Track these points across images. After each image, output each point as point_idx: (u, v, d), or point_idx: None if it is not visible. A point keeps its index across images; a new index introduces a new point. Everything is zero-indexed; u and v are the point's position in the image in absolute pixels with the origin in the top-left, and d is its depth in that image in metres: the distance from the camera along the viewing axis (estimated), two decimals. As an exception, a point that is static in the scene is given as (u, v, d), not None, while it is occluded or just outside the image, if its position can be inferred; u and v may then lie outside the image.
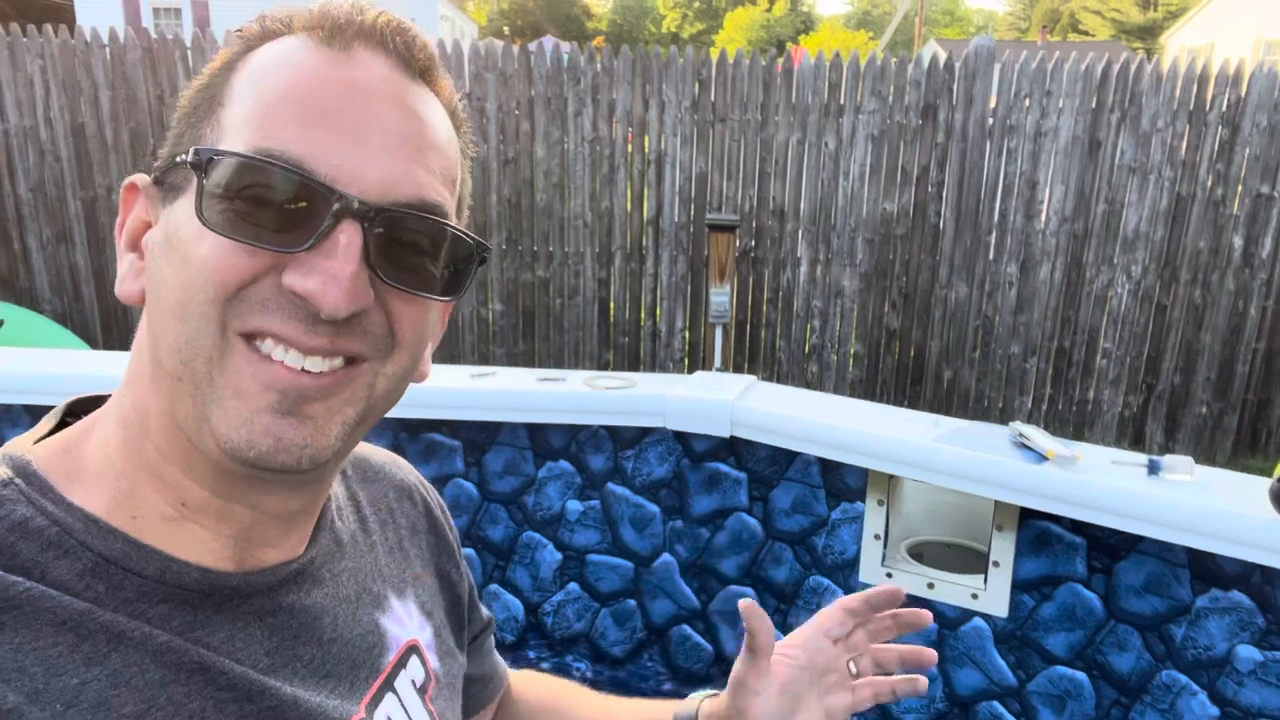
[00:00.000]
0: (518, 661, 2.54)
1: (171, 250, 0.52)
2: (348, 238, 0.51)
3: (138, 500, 0.54)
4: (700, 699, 0.83)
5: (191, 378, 0.51)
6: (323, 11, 0.55)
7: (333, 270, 0.50)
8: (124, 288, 0.56)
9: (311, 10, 0.55)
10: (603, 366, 5.59)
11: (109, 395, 0.60)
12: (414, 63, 0.56)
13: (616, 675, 2.44)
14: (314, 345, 0.51)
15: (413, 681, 0.69)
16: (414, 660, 0.70)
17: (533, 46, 5.30)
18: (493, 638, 0.89)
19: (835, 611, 0.82)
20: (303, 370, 0.51)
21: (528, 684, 0.95)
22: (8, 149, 5.32)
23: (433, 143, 0.56)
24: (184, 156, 0.52)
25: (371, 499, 0.74)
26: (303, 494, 0.59)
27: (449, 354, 5.58)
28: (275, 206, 0.50)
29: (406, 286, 0.54)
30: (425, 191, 0.55)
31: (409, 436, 2.38)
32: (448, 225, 0.56)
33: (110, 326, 5.61)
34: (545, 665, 2.48)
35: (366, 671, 0.64)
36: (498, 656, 0.90)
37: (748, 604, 0.76)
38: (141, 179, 0.57)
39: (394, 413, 2.13)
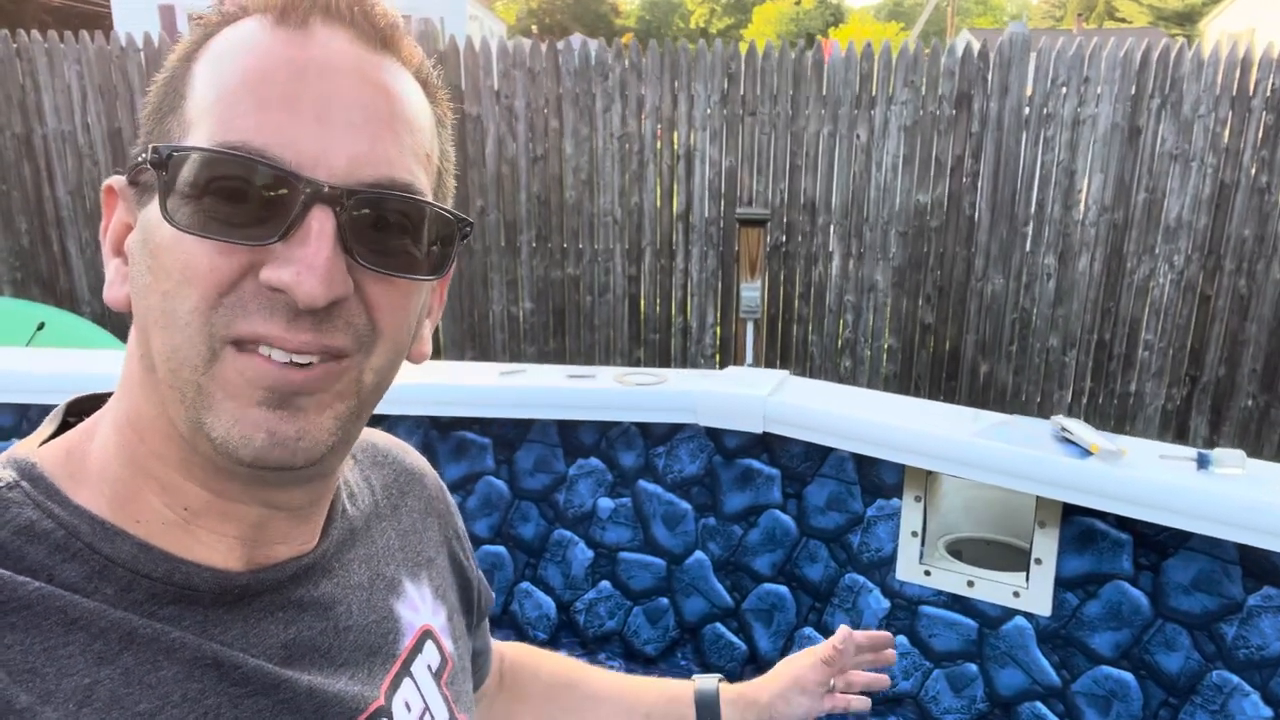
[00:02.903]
0: (550, 660, 2.54)
1: (149, 255, 0.51)
2: (319, 224, 0.49)
3: (140, 505, 0.53)
4: (716, 678, 0.94)
5: (180, 385, 0.50)
6: None
7: (307, 258, 0.48)
8: (111, 294, 0.55)
9: None
10: (633, 363, 5.57)
11: (108, 394, 0.59)
12: (375, 33, 0.54)
13: (649, 674, 2.42)
14: (298, 343, 0.50)
15: (429, 666, 0.68)
16: (429, 645, 0.69)
17: (560, 45, 5.29)
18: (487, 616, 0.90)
19: (831, 646, 0.95)
20: (290, 363, 0.50)
21: (537, 660, 0.96)
22: (47, 153, 5.41)
23: (401, 117, 0.53)
24: (145, 156, 0.50)
25: (384, 483, 0.74)
26: (308, 488, 0.58)
27: (480, 353, 5.59)
28: (242, 200, 0.49)
29: (385, 269, 0.52)
30: (395, 169, 0.52)
31: (439, 435, 2.37)
32: (424, 202, 0.54)
33: (148, 328, 5.69)
34: (578, 664, 2.46)
35: (383, 658, 0.63)
36: (489, 633, 0.90)
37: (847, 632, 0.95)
38: (118, 180, 0.55)
39: (424, 410, 2.11)
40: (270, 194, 0.49)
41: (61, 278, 5.61)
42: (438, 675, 0.69)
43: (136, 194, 0.53)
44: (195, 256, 0.49)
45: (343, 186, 0.50)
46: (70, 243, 5.56)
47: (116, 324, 5.62)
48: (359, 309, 0.52)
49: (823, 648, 0.93)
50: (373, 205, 0.51)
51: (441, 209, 0.55)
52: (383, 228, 0.52)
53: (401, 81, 0.54)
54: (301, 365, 0.50)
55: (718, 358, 5.56)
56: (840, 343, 5.47)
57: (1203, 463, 1.79)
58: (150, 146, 0.50)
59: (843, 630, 0.93)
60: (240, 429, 0.50)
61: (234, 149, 0.48)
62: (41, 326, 4.93)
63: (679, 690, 0.92)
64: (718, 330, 5.54)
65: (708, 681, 0.92)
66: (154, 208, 0.50)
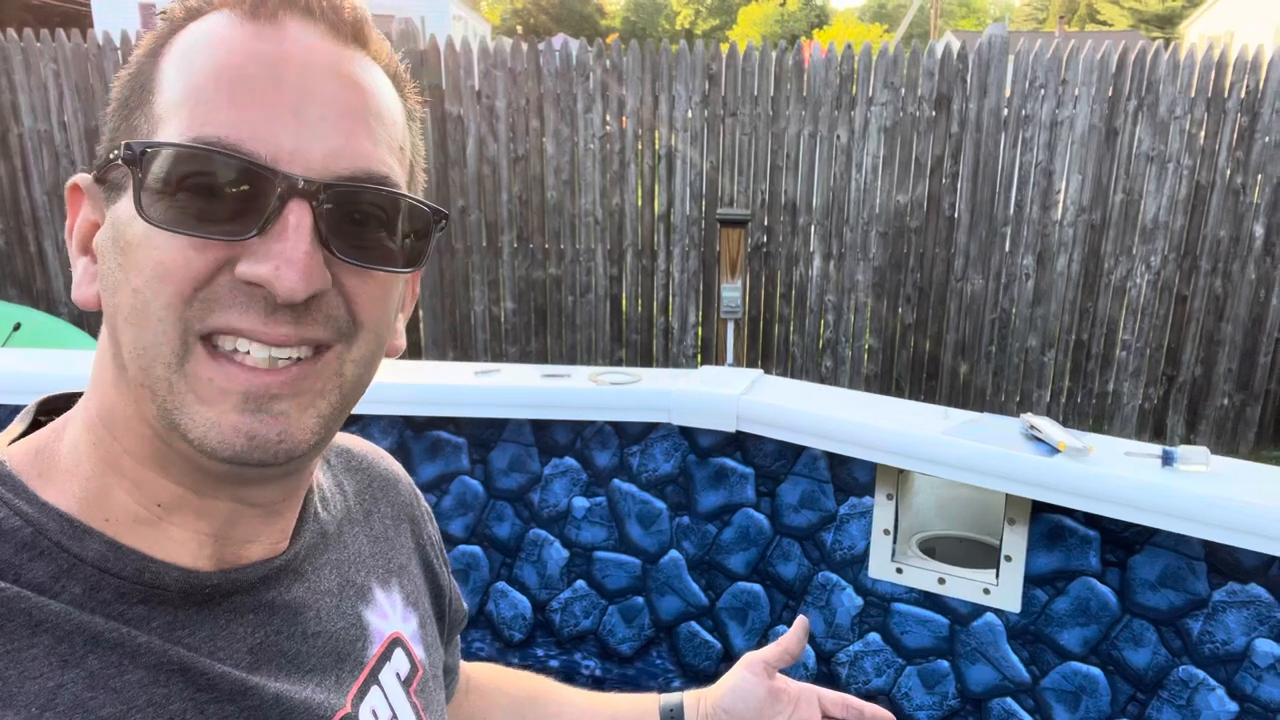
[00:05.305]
0: (526, 659, 2.53)
1: (120, 253, 0.50)
2: (297, 218, 0.49)
3: (110, 504, 0.53)
4: (681, 692, 0.91)
5: (152, 383, 0.50)
6: None
7: (285, 252, 0.48)
8: (80, 293, 0.55)
9: None
10: (615, 363, 5.58)
11: (78, 393, 0.59)
12: (344, 27, 0.54)
13: (625, 673, 2.42)
14: (276, 336, 0.50)
15: (397, 674, 0.68)
16: (398, 652, 0.69)
17: (542, 46, 5.28)
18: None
19: (838, 698, 0.90)
20: (270, 360, 0.50)
21: (502, 677, 0.95)
22: (23, 152, 5.37)
23: (374, 110, 0.54)
24: (116, 152, 0.50)
25: (357, 488, 0.74)
26: (283, 485, 0.58)
27: (461, 353, 5.58)
28: (218, 195, 0.49)
29: (363, 262, 0.53)
30: (371, 162, 0.53)
31: (414, 434, 2.37)
32: (399, 195, 0.54)
33: (126, 328, 5.65)
34: (554, 663, 2.46)
35: (351, 665, 0.63)
36: (459, 651, 0.89)
37: (804, 622, 0.90)
38: (84, 179, 0.55)
39: (398, 410, 2.10)
40: (246, 188, 0.49)
41: (38, 278, 5.57)
42: (406, 683, 0.69)
43: (105, 191, 0.53)
44: (169, 252, 0.48)
45: (319, 180, 0.50)
46: (47, 243, 5.52)
47: (95, 324, 5.58)
48: (338, 301, 0.52)
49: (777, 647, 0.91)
50: (349, 198, 0.51)
51: (417, 200, 0.55)
52: (360, 220, 0.52)
53: (373, 75, 0.55)
54: (279, 366, 0.50)
55: (699, 358, 5.58)
56: (821, 343, 5.49)
57: (1167, 460, 1.80)
58: (122, 143, 0.50)
59: (801, 621, 0.91)
60: (219, 433, 0.49)
61: (209, 144, 0.48)
62: (18, 327, 4.89)
63: (645, 703, 0.92)
64: (699, 331, 5.56)
65: (672, 696, 0.92)
66: (125, 204, 0.50)
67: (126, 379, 0.52)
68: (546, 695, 0.93)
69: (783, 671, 0.91)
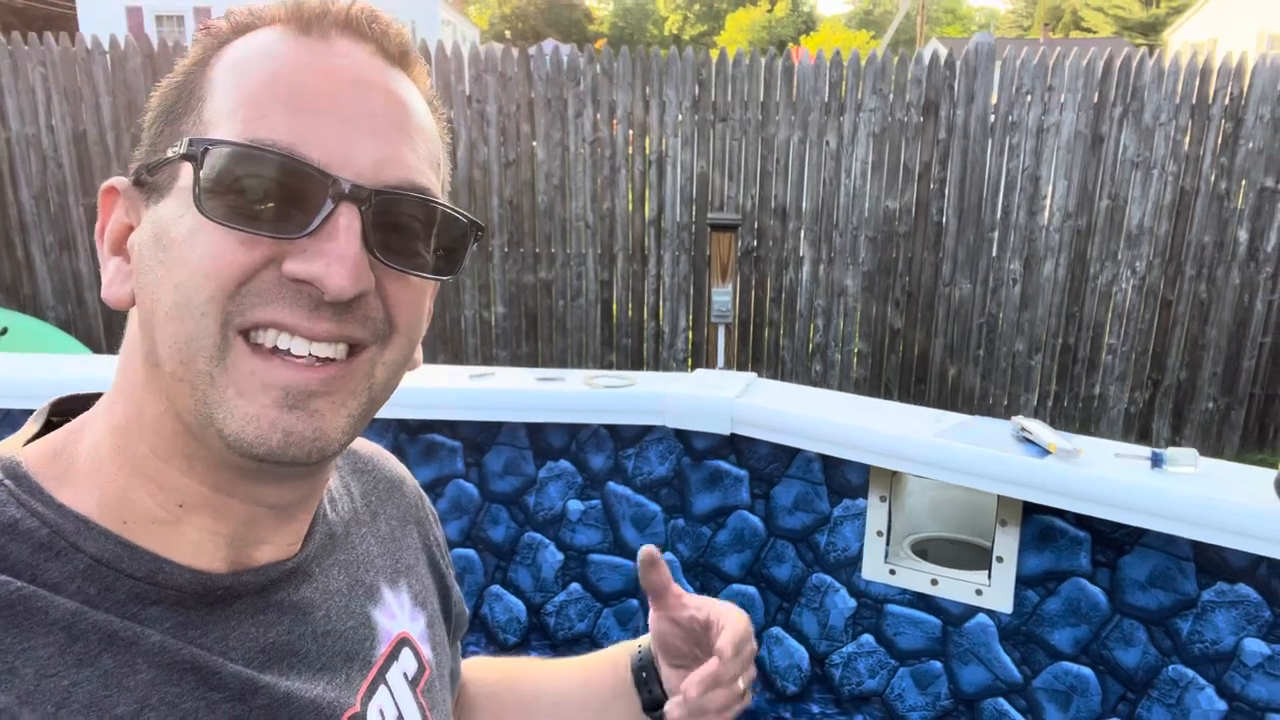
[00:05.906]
0: (521, 662, 2.54)
1: (163, 250, 0.52)
2: (347, 220, 0.51)
3: (128, 505, 0.54)
4: (649, 636, 0.86)
5: (192, 378, 0.51)
6: (296, 3, 0.55)
7: (337, 251, 0.50)
8: (112, 292, 0.56)
9: (283, 3, 0.55)
10: (606, 368, 5.59)
11: (93, 394, 0.59)
12: (391, 49, 0.57)
13: (620, 675, 2.43)
14: (319, 331, 0.51)
15: (404, 674, 0.69)
16: (406, 652, 0.70)
17: (533, 50, 5.30)
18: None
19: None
20: (309, 356, 0.52)
21: (480, 668, 0.95)
22: (10, 156, 5.34)
23: (418, 125, 0.57)
24: (176, 149, 0.52)
25: (364, 490, 0.75)
26: (301, 485, 0.59)
27: (452, 357, 5.58)
28: (272, 195, 0.51)
29: (404, 267, 0.55)
30: (415, 174, 0.55)
31: (409, 437, 2.37)
32: (441, 205, 0.57)
33: (114, 332, 5.62)
34: (548, 666, 2.47)
35: (359, 664, 0.64)
36: (460, 655, 0.90)
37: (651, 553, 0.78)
38: (121, 181, 0.57)
39: (394, 413, 2.10)
40: (299, 190, 0.51)
41: (25, 282, 5.54)
42: (414, 683, 0.69)
43: (144, 193, 0.54)
44: (217, 248, 0.50)
45: (369, 187, 0.52)
46: (34, 247, 5.48)
47: (81, 329, 5.55)
48: (377, 304, 0.54)
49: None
50: (394, 206, 0.54)
51: (458, 212, 0.58)
52: (403, 228, 0.55)
53: (415, 95, 0.57)
54: (320, 362, 0.52)
55: (689, 362, 5.59)
56: (811, 347, 5.52)
57: (1157, 461, 1.83)
58: (185, 139, 0.51)
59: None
60: (256, 428, 0.51)
61: (265, 146, 0.50)
62: (4, 331, 4.86)
63: (617, 653, 0.89)
64: (690, 335, 5.57)
65: (642, 639, 0.87)
66: (169, 204, 0.52)
67: (159, 376, 0.53)
68: (522, 676, 0.92)
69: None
